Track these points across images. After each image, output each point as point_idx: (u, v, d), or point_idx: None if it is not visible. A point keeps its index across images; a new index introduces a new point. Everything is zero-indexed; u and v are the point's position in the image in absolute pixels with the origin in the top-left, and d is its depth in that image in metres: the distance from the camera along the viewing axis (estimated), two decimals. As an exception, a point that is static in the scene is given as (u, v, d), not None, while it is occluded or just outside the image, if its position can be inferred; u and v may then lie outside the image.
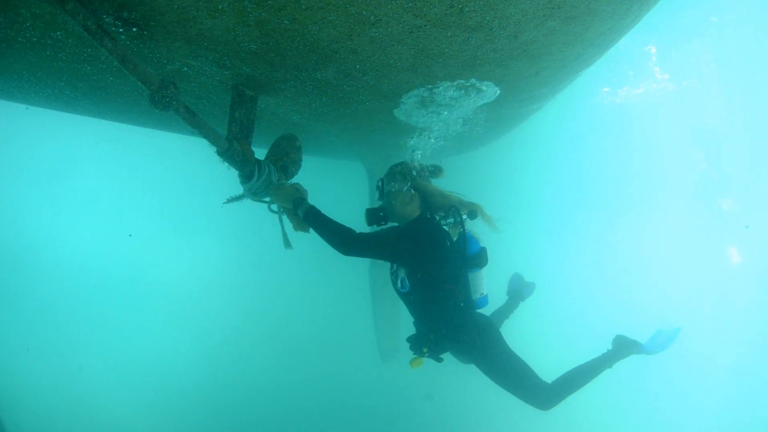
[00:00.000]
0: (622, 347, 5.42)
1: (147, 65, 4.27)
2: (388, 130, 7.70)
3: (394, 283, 4.85)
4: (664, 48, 19.33)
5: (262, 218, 5.64)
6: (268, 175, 4.81)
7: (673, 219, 27.31)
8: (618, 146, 26.27)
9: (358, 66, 4.42)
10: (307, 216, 4.59)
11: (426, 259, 4.63)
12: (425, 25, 3.59)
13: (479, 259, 4.89)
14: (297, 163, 5.22)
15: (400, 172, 5.04)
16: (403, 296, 4.89)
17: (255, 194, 4.91)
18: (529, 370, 4.82)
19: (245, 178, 4.80)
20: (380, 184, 5.10)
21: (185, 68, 4.49)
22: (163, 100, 3.43)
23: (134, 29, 3.64)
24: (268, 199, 5.09)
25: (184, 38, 3.78)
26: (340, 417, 16.44)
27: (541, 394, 4.76)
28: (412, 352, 4.86)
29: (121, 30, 3.66)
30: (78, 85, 5.09)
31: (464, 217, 4.89)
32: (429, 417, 15.98)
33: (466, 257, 4.85)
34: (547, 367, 5.14)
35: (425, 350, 4.79)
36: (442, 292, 4.72)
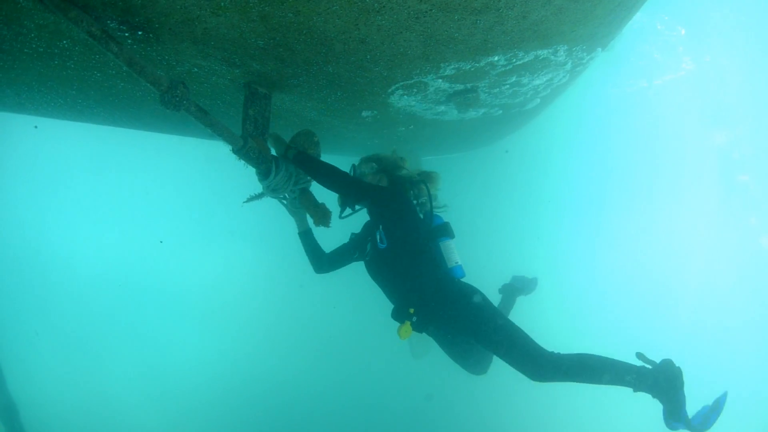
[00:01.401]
0: (666, 384, 4.16)
1: (156, 68, 4.27)
2: (409, 123, 7.65)
3: (373, 243, 4.99)
4: (688, 25, 19.14)
5: (288, 219, 5.64)
6: (286, 171, 4.79)
7: (696, 201, 26.98)
8: (641, 130, 25.98)
9: (368, 56, 4.37)
10: (296, 158, 4.82)
11: (403, 215, 4.84)
12: (431, 10, 3.54)
13: (446, 229, 5.08)
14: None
15: (371, 158, 5.45)
16: (382, 256, 4.92)
17: (274, 191, 4.90)
18: (524, 334, 4.54)
19: (263, 175, 4.80)
20: (353, 169, 5.40)
21: (195, 69, 4.48)
22: (173, 100, 3.45)
23: (140, 33, 3.63)
24: (287, 195, 5.09)
25: (191, 38, 3.76)
26: (340, 417, 16.37)
27: (539, 359, 4.33)
28: (398, 322, 4.71)
29: (126, 34, 3.65)
30: (90, 93, 5.09)
31: (431, 193, 5.16)
32: (429, 417, 15.89)
33: (434, 228, 5.04)
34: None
35: (411, 310, 4.67)
36: (419, 250, 4.81)
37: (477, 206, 22.11)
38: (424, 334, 5.01)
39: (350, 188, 4.79)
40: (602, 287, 24.95)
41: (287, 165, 4.86)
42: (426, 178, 5.33)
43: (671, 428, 4.14)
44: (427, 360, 15.10)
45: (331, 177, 4.75)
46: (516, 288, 6.90)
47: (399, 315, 4.73)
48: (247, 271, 26.58)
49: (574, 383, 4.31)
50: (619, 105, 24.51)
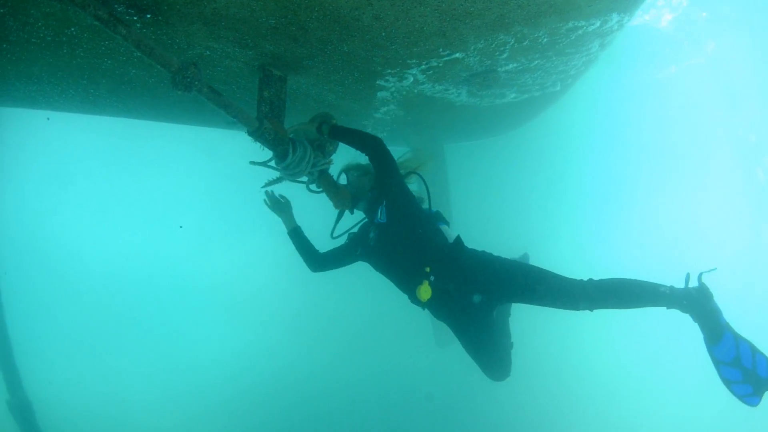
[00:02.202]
0: (697, 294, 4.12)
1: (168, 53, 4.20)
2: (431, 107, 7.55)
3: (374, 225, 5.00)
4: (708, 8, 18.92)
5: (312, 209, 5.60)
6: (303, 152, 4.72)
7: (715, 187, 26.81)
8: (661, 116, 25.82)
9: (383, 34, 4.29)
10: (332, 131, 4.90)
11: (405, 195, 4.89)
12: (445, -18, 3.46)
13: (441, 215, 5.24)
14: (334, 142, 5.14)
15: (353, 167, 5.47)
16: (385, 233, 4.92)
17: (292, 174, 4.82)
18: (548, 271, 4.54)
19: (280, 158, 4.72)
20: (346, 168, 5.46)
21: (208, 52, 4.42)
22: (184, 81, 3.39)
23: (148, 15, 3.59)
24: (305, 179, 5.02)
25: (201, 19, 3.70)
26: (338, 415, 16.21)
27: (572, 290, 4.31)
28: (414, 286, 4.63)
29: (135, 18, 3.61)
30: (101, 82, 5.06)
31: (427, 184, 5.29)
32: (429, 417, 15.71)
33: (432, 213, 5.18)
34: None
35: (428, 269, 4.60)
36: (422, 222, 4.83)
37: (500, 191, 22.06)
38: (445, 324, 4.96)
39: (378, 148, 4.74)
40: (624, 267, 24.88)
41: (305, 146, 4.79)
42: (417, 169, 5.42)
43: (715, 355, 4.11)
44: (426, 359, 15.02)
45: (365, 141, 4.77)
46: None
47: (416, 275, 4.65)
48: (264, 266, 26.58)
49: (614, 309, 4.30)
50: (642, 90, 24.36)
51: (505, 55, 5.30)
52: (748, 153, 25.69)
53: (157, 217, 29.13)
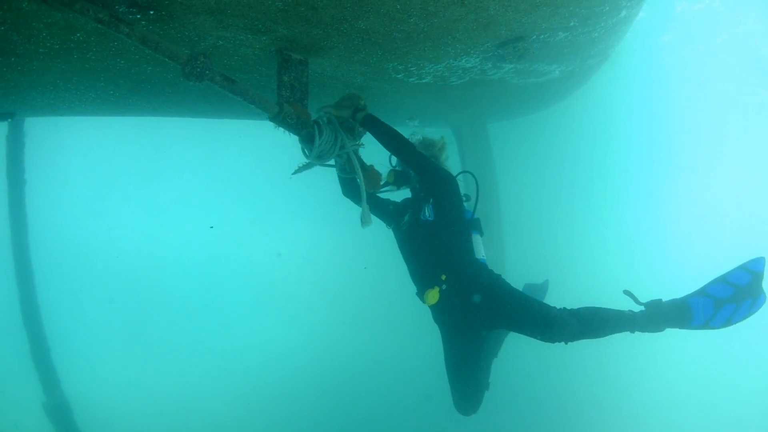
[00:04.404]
0: (656, 315, 4.34)
1: (180, 47, 4.11)
2: (465, 83, 7.18)
3: (414, 215, 5.06)
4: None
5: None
6: (330, 135, 4.63)
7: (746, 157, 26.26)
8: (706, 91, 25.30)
9: (398, 6, 4.09)
10: (366, 121, 4.81)
11: (455, 200, 4.93)
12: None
13: (479, 224, 5.27)
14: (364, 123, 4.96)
15: (426, 143, 5.54)
16: (424, 228, 4.97)
17: (320, 158, 4.74)
18: (533, 299, 4.65)
19: (306, 142, 4.67)
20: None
21: (220, 42, 4.34)
22: (194, 71, 3.38)
23: (151, 12, 3.53)
24: (334, 162, 4.94)
25: (205, 9, 3.62)
26: (335, 414, 16.10)
27: (552, 317, 4.32)
28: (425, 287, 4.73)
29: (138, 16, 3.56)
30: (119, 82, 5.03)
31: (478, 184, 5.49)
32: (429, 417, 15.60)
33: (472, 220, 5.23)
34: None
35: (443, 277, 4.70)
36: (461, 231, 4.92)
37: (545, 168, 21.84)
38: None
39: (419, 162, 4.80)
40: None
41: (331, 127, 4.71)
42: (439, 154, 5.48)
43: (700, 324, 4.26)
44: (426, 359, 14.95)
45: (402, 147, 4.78)
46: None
47: (430, 279, 4.76)
48: (298, 255, 26.74)
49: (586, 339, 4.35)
50: (682, 64, 23.92)
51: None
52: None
53: (191, 209, 29.33)
